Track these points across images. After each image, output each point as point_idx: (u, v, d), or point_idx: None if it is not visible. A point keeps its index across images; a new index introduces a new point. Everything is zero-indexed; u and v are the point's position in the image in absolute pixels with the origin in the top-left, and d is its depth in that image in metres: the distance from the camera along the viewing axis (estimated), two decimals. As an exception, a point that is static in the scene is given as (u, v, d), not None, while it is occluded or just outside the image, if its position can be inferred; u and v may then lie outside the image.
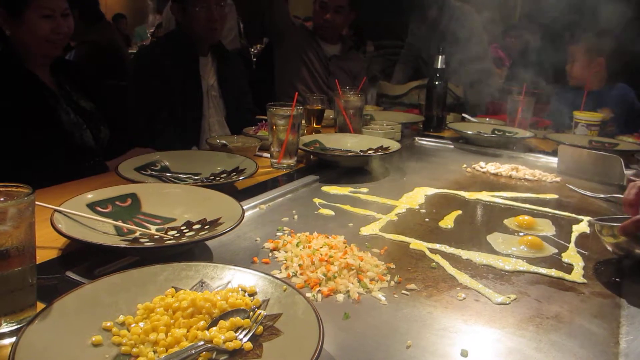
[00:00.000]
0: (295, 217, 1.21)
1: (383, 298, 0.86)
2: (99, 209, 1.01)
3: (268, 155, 1.62)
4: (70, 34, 1.74)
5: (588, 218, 1.31)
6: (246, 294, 0.73)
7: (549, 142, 2.14)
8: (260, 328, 0.66)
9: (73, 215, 0.94)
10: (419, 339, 0.75)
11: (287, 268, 0.94)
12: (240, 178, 1.29)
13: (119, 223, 0.97)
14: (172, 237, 0.96)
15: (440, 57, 2.21)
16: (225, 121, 2.30)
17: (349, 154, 1.64)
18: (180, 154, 1.44)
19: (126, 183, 1.15)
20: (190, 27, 2.09)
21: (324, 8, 2.64)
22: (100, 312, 0.66)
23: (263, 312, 0.69)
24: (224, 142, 1.56)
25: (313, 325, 0.63)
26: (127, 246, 0.90)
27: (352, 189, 1.45)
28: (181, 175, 1.33)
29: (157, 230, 1.00)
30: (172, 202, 1.08)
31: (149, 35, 6.14)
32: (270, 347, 0.63)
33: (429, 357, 0.72)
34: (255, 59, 3.93)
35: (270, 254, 1.01)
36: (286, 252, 1.00)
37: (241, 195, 1.27)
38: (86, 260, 0.90)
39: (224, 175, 1.35)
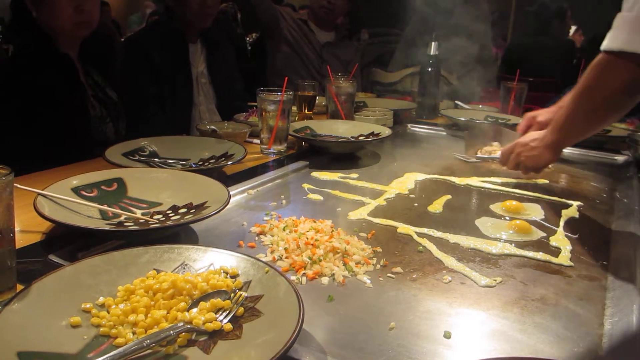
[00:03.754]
0: (284, 202, 1.21)
1: (368, 281, 0.86)
2: (84, 193, 1.00)
3: (258, 141, 1.62)
4: (96, 15, 1.65)
5: (578, 203, 1.31)
6: (228, 275, 0.72)
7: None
8: (241, 309, 0.66)
9: (57, 199, 0.93)
10: (402, 320, 0.75)
11: (272, 252, 0.94)
12: (229, 163, 1.28)
13: (104, 207, 0.97)
14: (157, 221, 0.96)
15: (433, 43, 2.20)
16: (216, 108, 2.29)
17: (340, 140, 1.63)
18: (169, 139, 1.42)
19: (114, 168, 1.14)
20: (183, 13, 2.07)
21: None
22: (80, 294, 0.66)
23: (244, 294, 0.68)
24: (214, 127, 1.55)
25: (294, 306, 0.63)
26: (111, 229, 0.89)
27: (342, 175, 1.45)
28: (169, 161, 1.33)
29: (142, 214, 0.99)
30: (159, 187, 1.07)
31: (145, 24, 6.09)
32: (250, 327, 0.62)
33: (411, 338, 0.71)
34: (250, 48, 3.90)
35: (256, 238, 1.00)
36: (272, 236, 1.00)
37: (230, 180, 1.27)
38: (70, 244, 0.89)
39: (212, 160, 1.34)
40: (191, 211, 0.98)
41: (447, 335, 0.72)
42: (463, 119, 2.17)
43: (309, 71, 2.66)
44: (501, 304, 0.82)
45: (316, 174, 1.44)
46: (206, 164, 1.32)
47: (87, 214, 0.94)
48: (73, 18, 1.57)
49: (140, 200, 1.04)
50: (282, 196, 1.24)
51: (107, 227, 0.90)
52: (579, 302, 0.84)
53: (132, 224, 0.94)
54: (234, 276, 0.72)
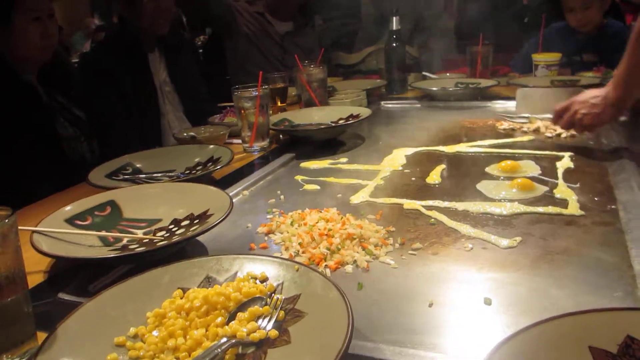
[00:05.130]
0: (282, 197, 1.18)
1: (392, 262, 0.84)
2: (79, 222, 0.95)
3: (239, 141, 1.58)
4: (57, 37, 1.62)
5: (569, 153, 1.32)
6: (257, 281, 0.69)
7: (512, 88, 2.15)
8: (282, 313, 0.63)
9: (53, 233, 0.88)
10: (438, 295, 0.74)
11: (287, 249, 0.91)
12: (218, 167, 1.24)
13: (104, 233, 0.92)
14: (162, 238, 0.91)
15: (394, 18, 2.19)
16: (184, 115, 2.23)
17: (322, 127, 1.60)
18: (150, 153, 1.37)
19: (100, 192, 1.09)
20: (138, 22, 1.99)
21: None
22: (110, 329, 0.62)
23: (280, 296, 0.65)
24: (192, 134, 1.50)
25: (337, 300, 0.60)
26: (118, 255, 0.85)
27: (331, 161, 1.43)
28: (155, 175, 1.28)
29: (144, 233, 0.95)
30: (154, 203, 1.03)
31: (88, 42, 5.88)
32: (297, 330, 0.60)
33: (453, 311, 0.70)
34: (201, 51, 3.82)
35: (266, 238, 0.97)
36: (282, 233, 0.97)
37: (220, 184, 1.22)
38: (76, 278, 0.84)
39: (200, 167, 1.30)
40: (195, 222, 0.94)
41: (488, 302, 0.71)
42: (434, 88, 2.17)
43: (271, 64, 2.61)
44: (529, 262, 0.81)
45: (305, 164, 1.41)
46: (194, 171, 1.28)
47: (87, 244, 0.89)
48: (40, 43, 1.54)
49: (138, 220, 0.99)
50: (278, 191, 1.21)
51: (113, 254, 0.85)
52: (602, 248, 0.84)
53: (137, 245, 0.90)
54: (264, 280, 0.69)
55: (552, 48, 2.27)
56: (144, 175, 1.27)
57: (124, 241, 0.92)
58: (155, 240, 0.90)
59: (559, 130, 1.54)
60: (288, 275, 0.69)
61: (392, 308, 0.72)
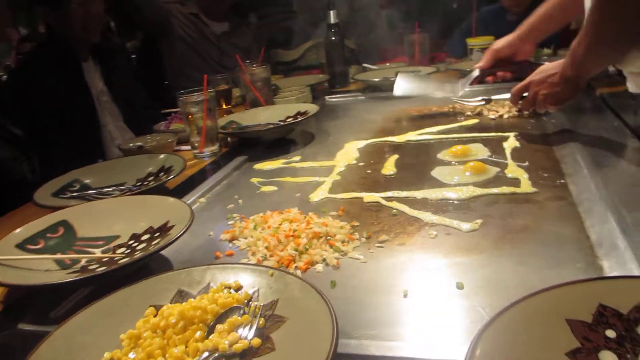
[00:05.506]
0: (240, 201, 1.16)
1: (361, 257, 0.85)
2: (31, 246, 0.90)
3: (188, 147, 1.54)
4: None
5: (514, 133, 1.37)
6: (232, 290, 0.68)
7: (451, 73, 2.21)
8: (262, 320, 0.62)
9: (4, 260, 0.83)
10: (412, 285, 0.75)
11: (254, 254, 0.89)
12: (172, 176, 1.20)
13: (59, 256, 0.88)
14: (123, 255, 0.88)
15: (331, 12, 2.19)
16: (125, 124, 2.16)
17: (271, 127, 1.59)
18: (98, 167, 1.32)
19: (49, 212, 1.04)
20: (67, 30, 1.90)
21: None
22: (83, 356, 0.59)
23: (258, 303, 0.64)
24: (139, 144, 1.45)
25: (316, 301, 0.60)
26: (78, 278, 0.81)
27: (285, 160, 1.42)
28: (106, 190, 1.23)
29: (103, 252, 0.91)
30: (109, 219, 0.99)
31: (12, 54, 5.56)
32: (280, 335, 0.59)
33: (428, 298, 0.71)
34: (134, 56, 3.70)
35: (230, 245, 0.95)
36: (246, 238, 0.96)
37: (175, 194, 1.20)
38: (35, 305, 0.80)
39: (152, 178, 1.26)
40: (156, 235, 0.91)
41: (460, 286, 0.72)
42: (377, 79, 2.19)
43: (210, 66, 2.57)
44: (492, 243, 0.84)
45: (259, 166, 1.40)
46: (146, 183, 1.24)
47: (43, 268, 0.85)
48: None
49: (94, 239, 0.95)
50: (236, 196, 1.19)
51: (73, 277, 0.81)
52: (558, 222, 0.88)
53: (97, 265, 0.86)
54: (238, 289, 0.68)
55: (486, 31, 2.33)
56: (93, 191, 1.22)
57: (83, 262, 0.88)
58: (116, 258, 0.87)
59: (500, 111, 1.59)
60: (263, 282, 0.68)
61: (368, 303, 0.72)
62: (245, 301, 0.65)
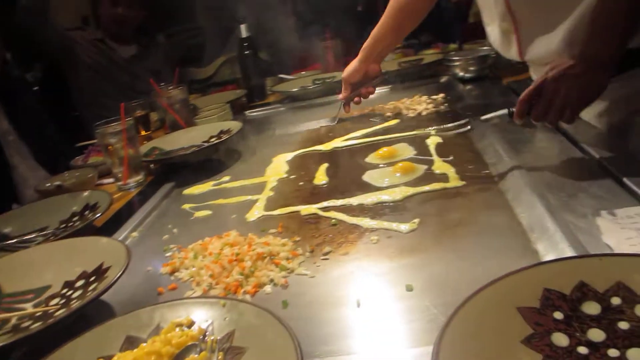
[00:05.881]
0: (175, 230, 1.13)
1: (308, 272, 0.84)
2: (-49, 312, 0.83)
3: (110, 180, 1.48)
4: None
5: (434, 128, 1.42)
6: (184, 327, 0.66)
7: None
8: (221, 354, 0.60)
9: None
10: (363, 293, 0.75)
11: (198, 284, 0.87)
12: (99, 214, 1.15)
13: (-15, 317, 0.81)
14: (59, 306, 0.83)
15: (242, 26, 2.18)
16: (37, 163, 2.03)
17: (195, 149, 1.55)
18: (14, 213, 1.24)
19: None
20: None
21: (114, 3, 2.41)
22: None
23: (214, 337, 0.63)
24: (58, 182, 1.37)
25: (274, 326, 0.59)
26: (11, 341, 0.74)
27: (214, 182, 1.39)
28: (27, 237, 1.15)
29: (34, 306, 0.86)
30: (37, 269, 0.93)
31: None
32: (243, 367, 0.58)
33: (382, 304, 0.72)
34: (37, 88, 3.50)
35: (172, 278, 0.92)
36: (187, 269, 0.93)
37: (104, 232, 1.14)
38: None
39: (77, 218, 1.19)
40: (91, 280, 0.87)
41: (410, 288, 0.74)
42: (295, 89, 2.20)
43: (122, 92, 2.47)
44: (432, 240, 0.86)
45: (188, 191, 1.37)
46: (71, 224, 1.17)
47: (-31, 334, 0.78)
48: None
49: (23, 293, 0.89)
50: (170, 225, 1.15)
51: (5, 340, 0.75)
52: (491, 212, 0.92)
53: (30, 322, 0.81)
54: (191, 325, 0.66)
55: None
56: (13, 241, 1.14)
57: (13, 321, 0.82)
58: (51, 311, 0.82)
59: (418, 109, 1.65)
60: (216, 314, 0.66)
61: (323, 318, 0.72)
62: (201, 337, 0.63)
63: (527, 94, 0.99)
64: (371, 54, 1.61)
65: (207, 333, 0.64)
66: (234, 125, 1.64)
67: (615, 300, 0.55)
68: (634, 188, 0.84)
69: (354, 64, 1.64)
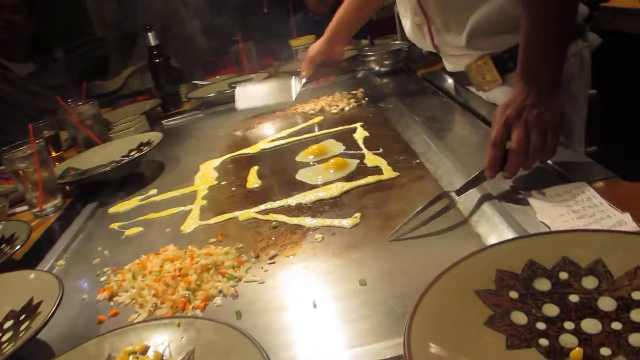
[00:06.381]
0: (106, 252, 1.06)
1: (257, 278, 0.83)
2: None
3: (24, 208, 1.37)
4: None
5: (359, 123, 1.43)
6: (138, 355, 0.62)
7: (283, 75, 2.25)
8: (183, 377, 0.57)
9: None
10: (317, 292, 0.75)
11: (142, 306, 0.83)
12: (18, 247, 1.06)
13: None
14: (-12, 351, 0.76)
15: (149, 34, 2.09)
16: None
17: (115, 165, 1.48)
18: None
19: None
20: None
21: None
22: None
23: (171, 359, 0.59)
24: (-35, 217, 1.26)
25: (235, 338, 0.57)
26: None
27: (141, 197, 1.33)
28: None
29: (-42, 354, 0.77)
30: (-44, 314, 0.84)
31: None
32: (209, 387, 0.55)
33: (338, 302, 0.72)
34: None
35: (112, 303, 0.87)
36: (127, 291, 0.88)
37: (25, 265, 1.06)
38: None
39: (-7, 252, 1.09)
40: (22, 319, 0.80)
41: (363, 283, 0.74)
42: (211, 94, 2.15)
43: (23, 112, 2.30)
44: (377, 233, 0.87)
45: (114, 209, 1.29)
46: (-13, 260, 1.07)
47: None
48: None
49: (-58, 342, 0.80)
50: (99, 248, 1.09)
51: None
52: (428, 199, 0.93)
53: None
54: (145, 351, 0.62)
55: (305, 32, 2.42)
56: None
57: None
58: (-20, 357, 0.74)
59: (341, 105, 1.66)
60: (171, 335, 0.63)
61: (281, 324, 0.71)
62: (158, 361, 0.60)
63: (498, 134, 0.85)
64: (336, 36, 1.64)
65: (164, 357, 0.61)
66: (154, 136, 1.57)
67: (563, 275, 0.58)
68: (558, 168, 0.90)
69: (318, 44, 1.67)
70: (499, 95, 1.25)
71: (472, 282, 0.58)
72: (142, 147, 1.55)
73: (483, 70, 1.25)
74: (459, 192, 0.88)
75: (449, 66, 1.44)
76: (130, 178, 1.48)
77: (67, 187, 1.48)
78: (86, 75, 2.64)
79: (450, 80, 1.57)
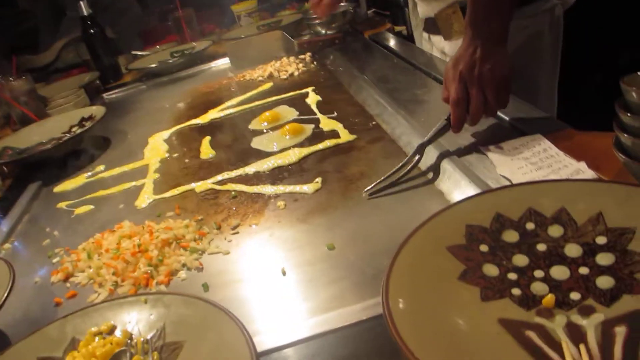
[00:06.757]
0: (56, 233, 1.01)
1: (221, 249, 0.81)
2: None
3: (-41, 192, 1.28)
4: None
5: (311, 88, 1.41)
6: (104, 335, 0.59)
7: (224, 43, 2.18)
8: (156, 354, 0.55)
9: None
10: (284, 260, 0.74)
11: (101, 285, 0.79)
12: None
13: None
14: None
15: (81, 3, 1.97)
16: None
17: (57, 142, 1.40)
18: None
19: None
20: None
21: None
22: None
23: (141, 337, 0.57)
24: None
25: (208, 311, 0.56)
26: None
27: (88, 174, 1.27)
28: None
29: None
30: None
31: None
32: (186, 361, 0.53)
33: (308, 268, 0.71)
34: None
35: (68, 285, 0.83)
36: (83, 271, 0.84)
37: (-33, 250, 1.00)
38: None
39: None
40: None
41: (331, 247, 0.74)
42: (153, 65, 2.07)
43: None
44: (340, 197, 0.86)
45: (60, 188, 1.23)
46: None
47: None
48: None
49: None
50: (47, 229, 1.03)
51: None
52: (388, 161, 0.93)
53: None
54: (112, 330, 0.59)
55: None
56: None
57: None
58: None
59: (290, 70, 1.63)
60: (138, 313, 0.60)
61: (250, 293, 0.70)
62: (127, 341, 0.58)
63: (459, 93, 0.86)
64: None
65: (133, 335, 0.58)
66: (96, 110, 1.50)
67: (530, 226, 0.59)
68: (514, 122, 0.91)
69: None
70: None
71: (443, 238, 0.58)
72: (84, 122, 1.47)
73: (452, 20, 1.24)
74: (424, 145, 0.87)
75: (421, 10, 1.39)
76: (74, 155, 1.41)
77: (4, 167, 1.39)
78: (14, 49, 2.48)
79: (397, 40, 1.56)
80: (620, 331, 0.46)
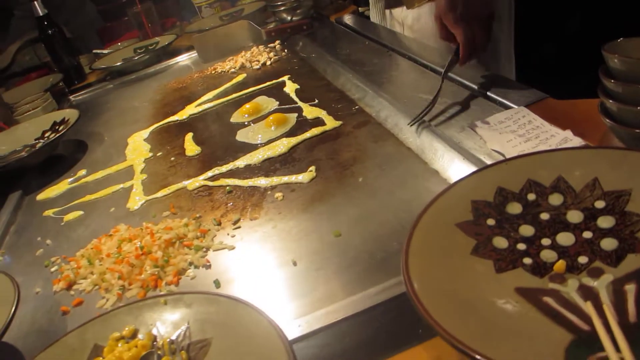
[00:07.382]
0: (48, 242, 1.00)
1: (226, 245, 0.81)
2: None
3: None
4: None
5: (287, 76, 1.41)
6: (127, 339, 0.59)
7: (188, 36, 2.15)
8: (184, 354, 0.56)
9: None
10: (293, 251, 0.75)
11: (107, 290, 0.79)
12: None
13: None
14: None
15: (35, 2, 1.91)
16: None
17: (31, 149, 1.36)
18: None
19: None
20: None
21: None
22: None
23: (167, 338, 0.58)
24: None
25: (233, 306, 0.56)
26: None
27: (70, 179, 1.25)
28: None
29: None
30: None
31: None
32: (215, 357, 0.54)
33: (316, 257, 0.72)
34: None
35: (72, 293, 0.82)
36: (86, 278, 0.84)
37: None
38: None
39: None
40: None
41: (337, 234, 0.75)
42: (118, 63, 2.03)
43: None
44: (337, 183, 0.88)
45: (42, 196, 1.20)
46: None
47: None
48: None
49: None
50: (39, 238, 1.02)
51: None
52: (379, 144, 0.95)
53: None
54: (134, 335, 0.60)
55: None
56: None
57: None
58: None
59: (261, 59, 1.63)
60: (159, 315, 0.60)
61: (265, 286, 0.71)
62: (152, 343, 0.58)
63: (467, 33, 0.95)
64: None
65: (157, 337, 0.59)
66: (69, 113, 1.47)
67: (531, 196, 0.62)
68: (494, 96, 0.94)
69: None
70: (427, 12, 1.26)
71: (451, 216, 0.60)
72: (57, 127, 1.44)
73: None
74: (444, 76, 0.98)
75: None
76: (50, 161, 1.38)
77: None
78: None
79: (364, 22, 1.57)
80: (630, 288, 0.49)
